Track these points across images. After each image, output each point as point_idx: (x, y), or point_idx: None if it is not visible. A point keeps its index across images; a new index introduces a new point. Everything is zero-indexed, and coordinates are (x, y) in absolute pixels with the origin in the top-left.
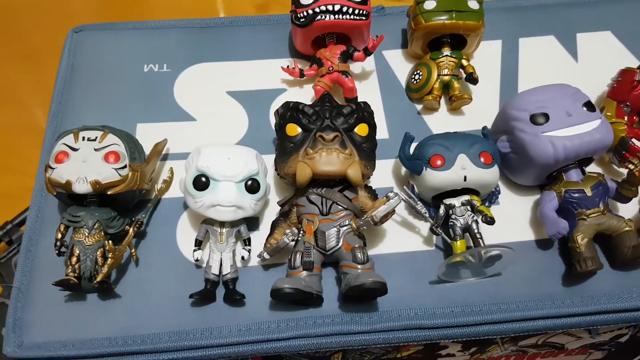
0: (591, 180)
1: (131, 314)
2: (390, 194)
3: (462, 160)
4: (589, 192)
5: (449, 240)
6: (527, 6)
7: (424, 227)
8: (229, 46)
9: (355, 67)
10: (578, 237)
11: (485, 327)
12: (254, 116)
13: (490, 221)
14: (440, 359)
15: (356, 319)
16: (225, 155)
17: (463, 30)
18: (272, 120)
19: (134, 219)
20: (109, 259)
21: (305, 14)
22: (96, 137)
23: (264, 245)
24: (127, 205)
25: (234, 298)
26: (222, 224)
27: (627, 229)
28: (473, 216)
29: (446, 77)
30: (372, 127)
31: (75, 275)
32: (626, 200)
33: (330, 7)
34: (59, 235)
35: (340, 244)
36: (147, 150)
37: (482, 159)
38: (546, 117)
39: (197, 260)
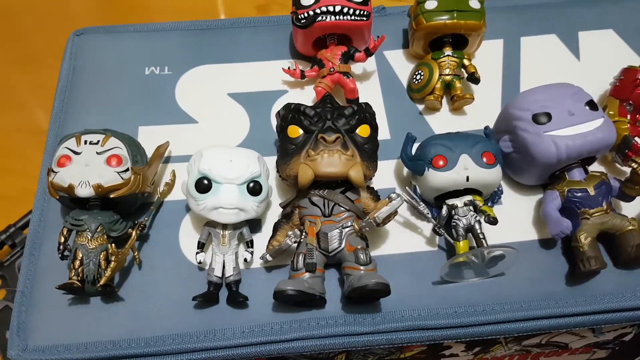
0: (594, 180)
1: (135, 317)
2: (393, 195)
3: (465, 161)
4: (592, 191)
5: (451, 241)
6: (529, 5)
7: (427, 227)
8: (229, 48)
9: (356, 68)
10: (581, 237)
11: (488, 327)
12: (256, 118)
13: (493, 221)
14: (444, 359)
15: (359, 320)
16: (227, 158)
17: (464, 30)
18: (274, 122)
19: (136, 222)
20: (112, 262)
21: (306, 15)
22: (98, 141)
23: (267, 247)
24: (129, 209)
25: (237, 300)
26: (224, 227)
27: (630, 227)
28: (476, 216)
29: (448, 77)
30: (374, 128)
31: (79, 278)
32: (629, 199)
33: (331, 8)
34: (62, 239)
35: (342, 245)
36: (149, 153)
37: (484, 159)
38: (548, 116)
39: (199, 262)
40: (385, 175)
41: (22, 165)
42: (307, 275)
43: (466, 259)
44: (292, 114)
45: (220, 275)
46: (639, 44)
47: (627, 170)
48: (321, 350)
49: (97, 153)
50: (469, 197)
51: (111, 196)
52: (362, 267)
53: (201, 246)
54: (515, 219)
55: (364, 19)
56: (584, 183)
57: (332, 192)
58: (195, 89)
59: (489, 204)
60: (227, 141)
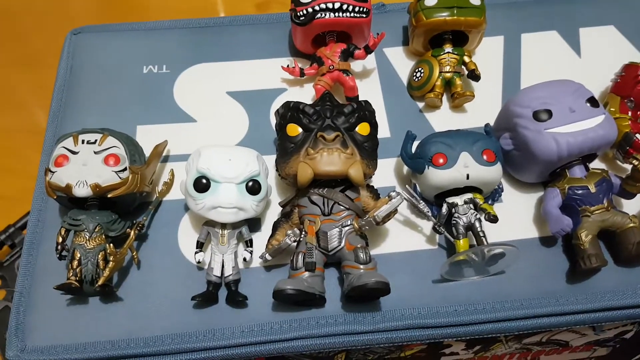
0: (595, 177)
1: (133, 317)
2: (392, 193)
3: (465, 158)
4: (592, 189)
5: (451, 239)
6: (529, 1)
7: (427, 226)
8: (228, 46)
9: (356, 66)
10: (582, 234)
11: (489, 326)
12: (255, 116)
13: (493, 219)
14: (444, 357)
15: (359, 319)
16: (226, 157)
17: (464, 27)
18: (273, 121)
19: (135, 221)
20: (110, 263)
21: (304, 12)
22: (96, 140)
23: (266, 247)
24: (127, 208)
25: (237, 300)
26: (223, 226)
27: (631, 225)
28: (476, 214)
29: (448, 74)
30: (374, 126)
31: (77, 279)
32: (630, 196)
33: (330, 5)
34: (60, 239)
35: (342, 244)
36: (148, 152)
37: (484, 157)
38: (549, 113)
39: (199, 262)
40: (385, 173)
41: (22, 165)
42: (306, 274)
43: (466, 257)
44: (291, 112)
45: (219, 274)
46: None
47: (628, 167)
48: (321, 350)
49: (95, 152)
50: (469, 195)
51: (109, 196)
52: (361, 266)
53: (200, 246)
54: (516, 217)
55: (364, 15)
56: (584, 180)
57: (331, 191)
58: (193, 87)
59: (489, 202)
60: (226, 140)
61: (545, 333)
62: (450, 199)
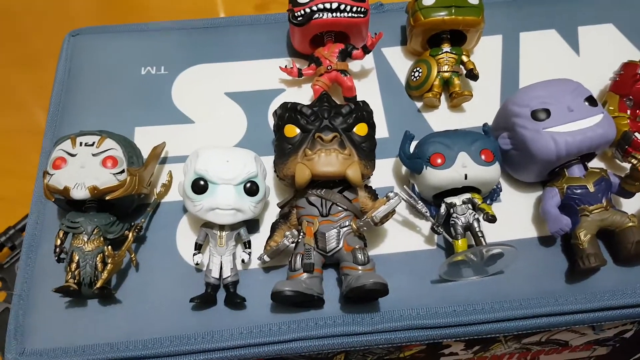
0: (594, 176)
1: (132, 319)
2: (391, 194)
3: (463, 158)
4: (591, 188)
5: (450, 239)
6: (528, 0)
7: (425, 226)
8: (226, 47)
9: (354, 66)
10: (581, 234)
11: (488, 326)
12: (253, 117)
13: (491, 219)
14: (444, 357)
15: (358, 320)
16: (224, 158)
17: (463, 26)
18: (271, 122)
19: (133, 223)
20: (109, 265)
21: (302, 12)
22: (94, 142)
23: (264, 248)
24: (126, 210)
25: (235, 301)
26: (221, 227)
27: (630, 224)
28: (474, 214)
29: (446, 74)
30: (372, 127)
31: (75, 281)
32: (629, 195)
33: (327, 5)
34: (58, 242)
35: (340, 245)
36: (146, 153)
37: (483, 157)
38: (547, 112)
39: (197, 264)
40: (383, 173)
41: (22, 167)
42: (305, 275)
43: (465, 257)
44: (288, 113)
45: (217, 276)
46: (639, 39)
47: (627, 166)
48: (320, 351)
49: (93, 155)
50: (467, 195)
51: (107, 198)
52: (360, 267)
53: (198, 247)
54: (515, 217)
55: (361, 15)
56: (583, 180)
57: (329, 192)
58: (191, 88)
59: (488, 202)
60: (224, 141)
61: (545, 333)
62: (449, 199)
